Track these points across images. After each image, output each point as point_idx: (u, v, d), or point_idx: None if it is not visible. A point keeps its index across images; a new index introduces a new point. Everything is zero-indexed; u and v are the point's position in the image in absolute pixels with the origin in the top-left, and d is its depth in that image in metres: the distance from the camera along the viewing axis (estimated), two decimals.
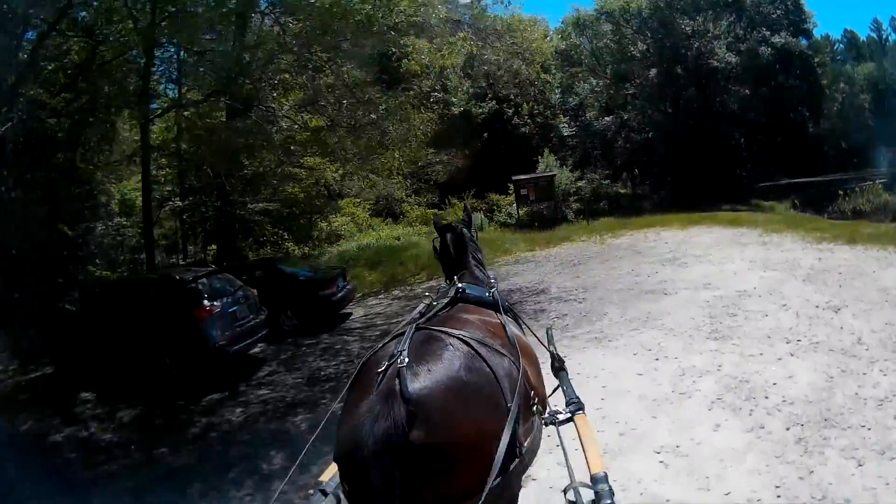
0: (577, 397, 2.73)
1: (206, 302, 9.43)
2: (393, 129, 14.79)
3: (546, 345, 3.14)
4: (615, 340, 7.79)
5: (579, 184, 22.76)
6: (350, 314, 12.88)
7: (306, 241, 20.23)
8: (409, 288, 14.33)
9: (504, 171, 22.71)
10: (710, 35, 26.56)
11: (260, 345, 10.55)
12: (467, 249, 3.35)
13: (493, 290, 2.87)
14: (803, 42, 31.65)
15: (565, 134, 27.31)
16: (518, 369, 2.15)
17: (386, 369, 1.91)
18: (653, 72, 27.01)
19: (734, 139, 28.45)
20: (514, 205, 21.92)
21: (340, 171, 17.72)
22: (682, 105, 27.69)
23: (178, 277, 10.16)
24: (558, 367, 3.02)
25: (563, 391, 2.84)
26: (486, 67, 21.06)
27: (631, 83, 27.69)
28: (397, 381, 1.82)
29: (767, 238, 13.63)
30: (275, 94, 14.99)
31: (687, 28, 26.73)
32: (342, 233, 20.81)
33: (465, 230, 3.50)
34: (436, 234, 3.62)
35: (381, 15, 12.43)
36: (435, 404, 1.84)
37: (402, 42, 13.97)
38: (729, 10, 27.86)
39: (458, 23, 15.86)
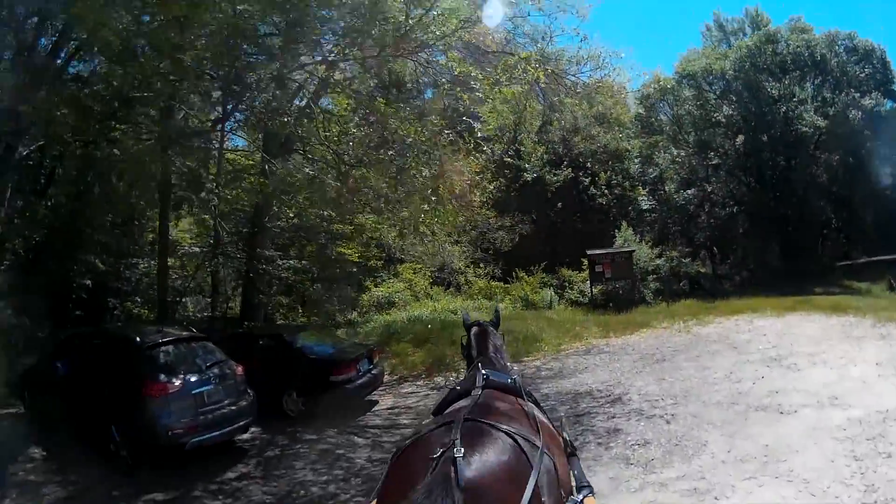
0: (588, 482, 3.05)
1: (161, 376, 7.77)
2: (414, 164, 12.31)
3: (559, 432, 3.30)
4: (724, 498, 5.49)
5: (657, 262, 21.17)
6: (376, 403, 10.95)
7: (353, 306, 19.03)
8: (454, 376, 11.74)
9: (578, 244, 21.22)
10: (796, 99, 25.17)
11: (251, 430, 8.82)
12: (488, 339, 3.96)
13: (514, 377, 3.37)
14: (890, 105, 29.70)
15: (644, 208, 25.86)
16: (553, 462, 2.55)
17: (440, 456, 2.24)
18: (739, 139, 25.60)
19: (825, 214, 26.94)
20: (588, 282, 20.02)
21: (394, 233, 16.22)
22: (768, 176, 26.42)
23: (136, 339, 8.35)
24: (570, 453, 3.24)
25: (574, 476, 3.09)
26: (562, 121, 20.10)
27: (715, 152, 26.28)
28: (452, 469, 2.16)
29: (884, 329, 11.92)
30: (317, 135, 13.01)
31: (773, 91, 25.48)
32: (396, 300, 19.28)
33: (490, 328, 4.16)
34: (464, 332, 4.18)
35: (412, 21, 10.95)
36: (487, 493, 2.18)
37: (445, 64, 12.07)
38: (815, 70, 26.54)
39: (525, 60, 13.76)
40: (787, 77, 26.23)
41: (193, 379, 7.98)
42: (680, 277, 21.54)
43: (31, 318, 13.09)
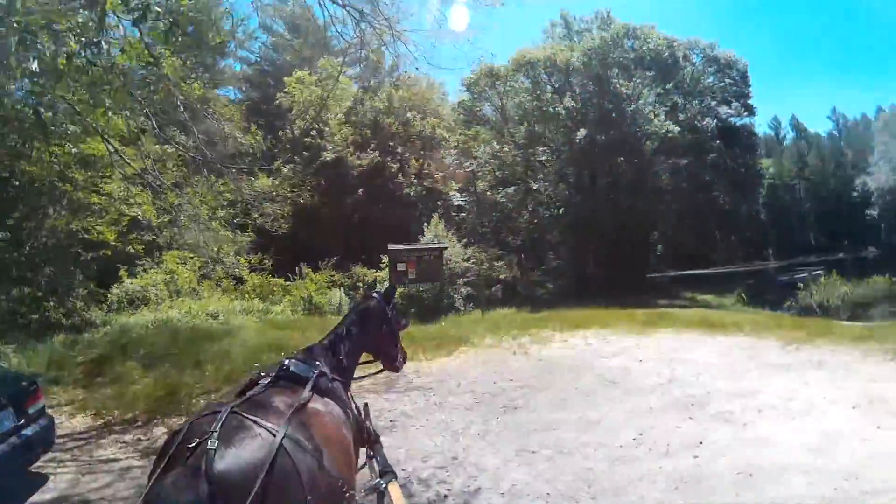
0: (391, 467, 3.57)
1: None
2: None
3: (362, 419, 3.84)
4: None
5: (467, 263, 21.19)
6: (44, 480, 7.31)
7: (95, 301, 16.99)
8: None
9: (379, 238, 20.53)
10: (643, 101, 28.04)
11: None
12: (342, 324, 4.18)
13: (314, 371, 3.57)
14: (746, 120, 35.06)
15: (456, 203, 26.81)
16: (319, 462, 2.87)
17: (196, 446, 2.54)
18: (580, 132, 27.24)
19: (667, 220, 30.27)
20: (387, 283, 18.61)
21: (148, 208, 14.73)
22: (607, 176, 28.29)
23: None
24: (374, 441, 3.84)
25: (377, 461, 3.67)
26: (376, 102, 21.57)
27: (547, 147, 28.08)
28: (204, 461, 2.47)
29: (806, 353, 10.91)
30: None
31: (622, 89, 27.87)
32: (150, 296, 17.80)
33: (373, 304, 4.38)
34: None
35: None
36: (235, 488, 2.47)
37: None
38: (668, 74, 29.71)
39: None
40: (638, 76, 28.81)
41: None
42: (492, 282, 22.02)
43: None
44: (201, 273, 18.93)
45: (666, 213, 29.93)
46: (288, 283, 19.92)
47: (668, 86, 30.24)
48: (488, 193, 27.18)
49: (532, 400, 9.28)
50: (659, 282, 30.26)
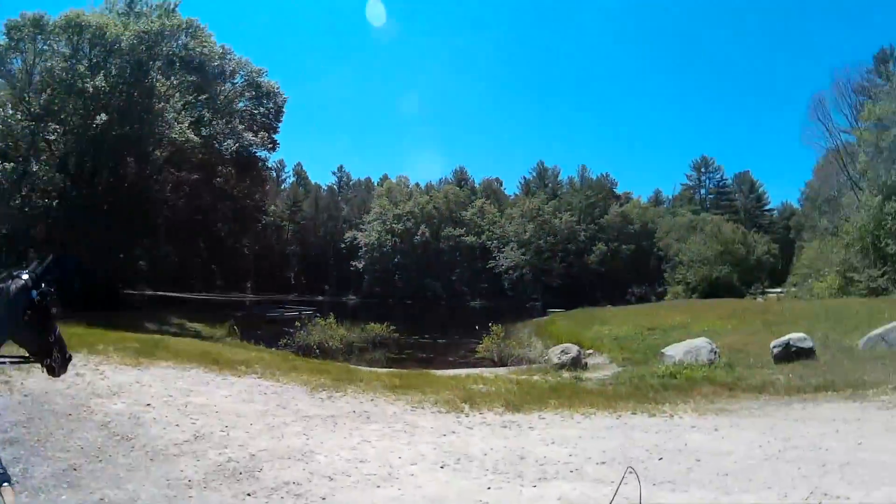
0: (4, 468, 3.43)
1: None
2: None
3: None
4: None
5: None
6: None
7: None
8: None
9: None
10: (171, 103, 30.61)
11: None
12: None
13: None
14: (265, 154, 39.96)
15: None
16: None
17: None
18: (101, 117, 28.62)
19: (158, 236, 32.93)
20: None
21: None
22: (110, 174, 30.39)
23: None
24: None
25: None
26: None
27: (63, 126, 29.08)
28: None
29: (347, 402, 11.39)
30: None
31: (159, 85, 30.32)
32: None
33: (11, 285, 3.88)
34: None
35: None
36: None
37: None
38: (208, 82, 33.87)
39: None
40: (178, 76, 31.63)
41: None
42: None
43: None
44: None
45: (159, 229, 31.94)
46: None
47: (203, 97, 33.07)
48: None
49: (29, 468, 7.34)
50: (137, 300, 31.74)
